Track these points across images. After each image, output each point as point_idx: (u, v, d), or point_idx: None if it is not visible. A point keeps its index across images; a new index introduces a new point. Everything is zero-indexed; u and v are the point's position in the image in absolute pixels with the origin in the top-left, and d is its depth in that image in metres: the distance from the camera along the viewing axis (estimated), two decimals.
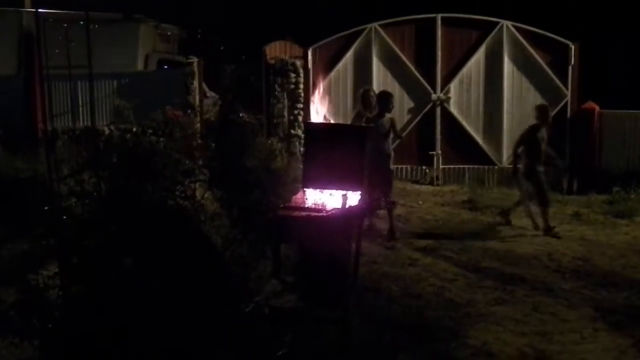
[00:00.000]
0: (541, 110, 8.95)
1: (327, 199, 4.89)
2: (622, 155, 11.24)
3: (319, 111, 5.46)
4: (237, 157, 8.50)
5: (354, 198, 5.09)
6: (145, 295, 3.85)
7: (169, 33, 14.84)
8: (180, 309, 3.86)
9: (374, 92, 8.99)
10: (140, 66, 13.73)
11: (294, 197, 4.96)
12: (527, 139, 8.62)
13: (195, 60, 12.08)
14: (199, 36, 15.17)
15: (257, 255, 5.96)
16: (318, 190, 5.27)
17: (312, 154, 5.26)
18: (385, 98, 8.17)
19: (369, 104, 8.67)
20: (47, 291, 3.67)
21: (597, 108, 11.37)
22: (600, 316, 5.61)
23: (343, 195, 4.17)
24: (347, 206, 4.12)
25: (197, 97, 12.18)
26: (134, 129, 9.31)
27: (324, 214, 4.15)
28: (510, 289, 6.28)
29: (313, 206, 4.51)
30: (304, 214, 4.24)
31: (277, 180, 8.88)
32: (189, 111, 11.98)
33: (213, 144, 12.38)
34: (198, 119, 12.11)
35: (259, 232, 6.76)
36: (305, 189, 5.30)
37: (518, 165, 8.74)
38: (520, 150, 8.70)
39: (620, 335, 5.21)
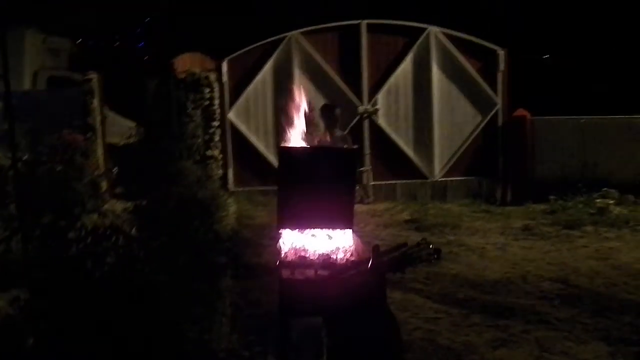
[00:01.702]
0: None
1: (323, 244, 3.90)
2: (554, 162, 10.94)
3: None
4: (166, 188, 7.29)
5: (345, 238, 4.14)
6: None
7: (58, 47, 13.20)
8: None
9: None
10: (27, 85, 12.07)
11: (280, 246, 3.92)
12: None
13: (94, 76, 10.66)
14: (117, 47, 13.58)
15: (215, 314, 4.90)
16: (297, 231, 4.27)
17: (290, 186, 4.24)
18: (332, 112, 7.25)
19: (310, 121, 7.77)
20: None
21: (528, 115, 11.05)
22: (616, 351, 4.93)
23: (375, 245, 3.20)
24: (377, 257, 3.15)
25: (98, 118, 10.76)
26: (25, 157, 7.93)
27: (356, 271, 3.13)
28: (503, 325, 5.51)
29: (322, 259, 3.48)
30: (325, 272, 3.19)
31: (207, 211, 7.76)
32: (90, 134, 10.56)
33: (116, 169, 11.05)
34: (100, 142, 10.70)
35: (209, 282, 5.68)
36: (282, 231, 4.27)
37: None
38: None
39: None
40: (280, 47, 11.02)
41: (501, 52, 11.04)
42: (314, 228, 4.27)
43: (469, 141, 11.22)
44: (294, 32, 11.03)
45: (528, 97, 12.04)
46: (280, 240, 3.99)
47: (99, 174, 9.84)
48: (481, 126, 11.20)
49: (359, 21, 11.00)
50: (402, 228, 9.12)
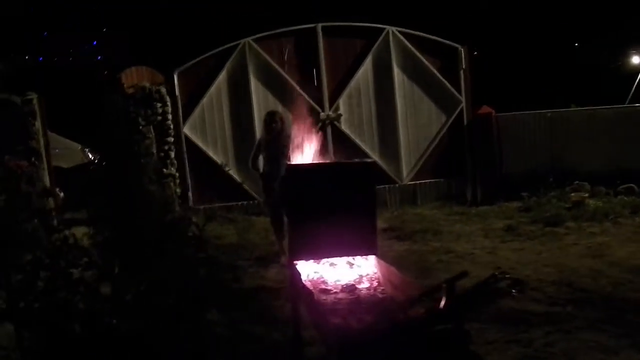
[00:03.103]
0: None
1: (357, 278, 3.40)
2: (523, 158, 10.77)
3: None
4: (129, 213, 6.59)
5: (377, 267, 3.66)
6: None
7: None
8: None
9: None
10: None
11: (302, 282, 3.38)
12: None
13: (34, 96, 9.81)
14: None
15: None
16: (313, 261, 3.77)
17: (304, 210, 3.72)
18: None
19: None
20: None
21: (493, 112, 10.82)
22: None
23: (447, 279, 2.69)
24: (450, 296, 2.64)
25: (42, 141, 9.91)
26: None
27: (429, 316, 2.62)
28: (523, 339, 5.10)
29: (376, 299, 2.96)
30: (390, 318, 2.66)
31: (177, 236, 7.12)
32: (33, 159, 9.72)
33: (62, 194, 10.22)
34: (46, 167, 9.87)
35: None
36: (296, 262, 3.75)
37: None
38: None
39: None
40: (234, 55, 10.46)
41: (462, 50, 10.78)
42: (333, 256, 3.78)
43: (435, 142, 10.91)
44: (247, 39, 10.48)
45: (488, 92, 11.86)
46: (303, 276, 3.45)
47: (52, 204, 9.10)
48: (447, 126, 10.91)
49: (314, 24, 10.53)
50: (382, 237, 8.64)
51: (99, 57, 14.69)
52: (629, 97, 13.79)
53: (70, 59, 13.59)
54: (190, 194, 10.45)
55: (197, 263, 6.56)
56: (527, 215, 9.44)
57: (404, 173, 10.84)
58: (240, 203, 10.43)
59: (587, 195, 9.77)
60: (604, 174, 10.20)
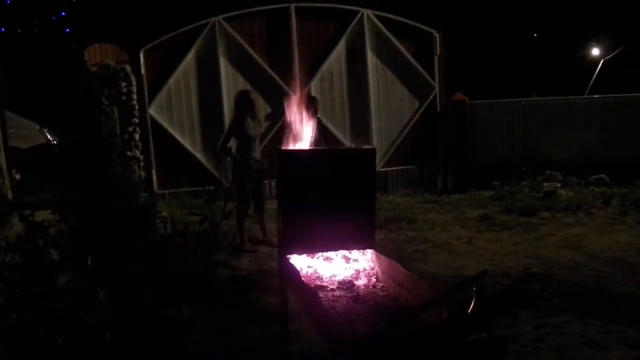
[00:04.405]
0: None
1: (346, 271, 3.16)
2: (495, 146, 10.70)
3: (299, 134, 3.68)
4: (92, 199, 6.22)
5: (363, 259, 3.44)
6: None
7: None
8: None
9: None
10: None
11: (299, 280, 3.12)
12: None
13: None
14: None
15: None
16: (308, 256, 3.53)
17: (297, 199, 3.46)
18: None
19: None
20: None
21: (466, 99, 10.69)
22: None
23: (473, 281, 2.42)
24: (480, 299, 2.39)
25: None
26: None
27: (452, 321, 2.37)
28: (511, 333, 4.97)
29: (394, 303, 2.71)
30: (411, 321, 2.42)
31: (148, 227, 6.77)
32: None
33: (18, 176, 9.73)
34: (2, 147, 9.37)
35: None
36: (290, 256, 3.50)
37: None
38: None
39: None
40: (203, 34, 10.07)
41: (437, 35, 10.60)
42: (328, 250, 3.54)
43: (407, 128, 10.75)
44: (217, 18, 10.09)
45: (462, 79, 11.72)
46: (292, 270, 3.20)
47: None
48: (419, 112, 10.75)
49: (287, 4, 10.21)
50: None
51: (67, 30, 13.89)
52: (589, 87, 13.89)
53: (36, 30, 12.81)
54: (154, 177, 10.06)
55: (172, 255, 6.24)
56: (500, 204, 9.37)
57: (376, 159, 10.62)
58: (207, 188, 10.10)
59: (559, 185, 9.76)
60: (576, 163, 10.20)
